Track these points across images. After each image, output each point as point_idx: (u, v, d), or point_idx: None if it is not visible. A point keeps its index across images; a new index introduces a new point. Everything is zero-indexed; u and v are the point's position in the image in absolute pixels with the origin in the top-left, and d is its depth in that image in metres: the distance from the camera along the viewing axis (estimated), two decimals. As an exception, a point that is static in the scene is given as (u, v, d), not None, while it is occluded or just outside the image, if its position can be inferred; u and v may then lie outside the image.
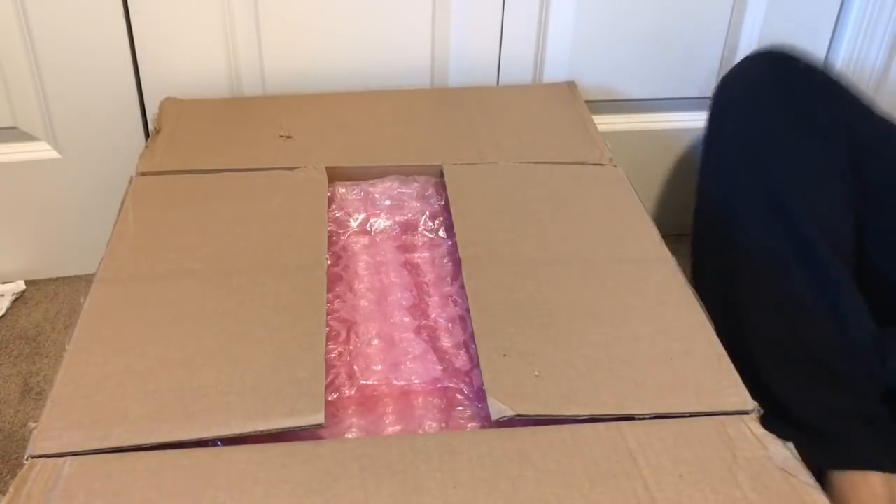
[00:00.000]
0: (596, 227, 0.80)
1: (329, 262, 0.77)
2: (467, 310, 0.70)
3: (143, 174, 0.87)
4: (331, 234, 0.82)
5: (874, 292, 0.80)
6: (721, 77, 0.97)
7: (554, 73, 1.12)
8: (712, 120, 0.84)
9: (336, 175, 0.88)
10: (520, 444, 0.57)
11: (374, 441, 0.59)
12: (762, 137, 0.83)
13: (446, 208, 0.83)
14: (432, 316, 0.74)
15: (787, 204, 0.77)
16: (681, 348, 0.66)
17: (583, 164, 0.90)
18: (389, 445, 0.57)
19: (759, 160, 0.80)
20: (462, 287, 0.73)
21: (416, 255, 0.81)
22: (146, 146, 0.91)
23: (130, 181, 0.85)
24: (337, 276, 0.77)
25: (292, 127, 0.95)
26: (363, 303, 0.75)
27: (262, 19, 1.03)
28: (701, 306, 0.70)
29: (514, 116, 0.99)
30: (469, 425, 0.64)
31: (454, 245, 0.78)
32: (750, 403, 0.61)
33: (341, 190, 0.87)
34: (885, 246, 0.81)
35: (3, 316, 1.09)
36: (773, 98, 0.85)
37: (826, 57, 1.16)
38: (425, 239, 0.84)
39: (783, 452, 0.57)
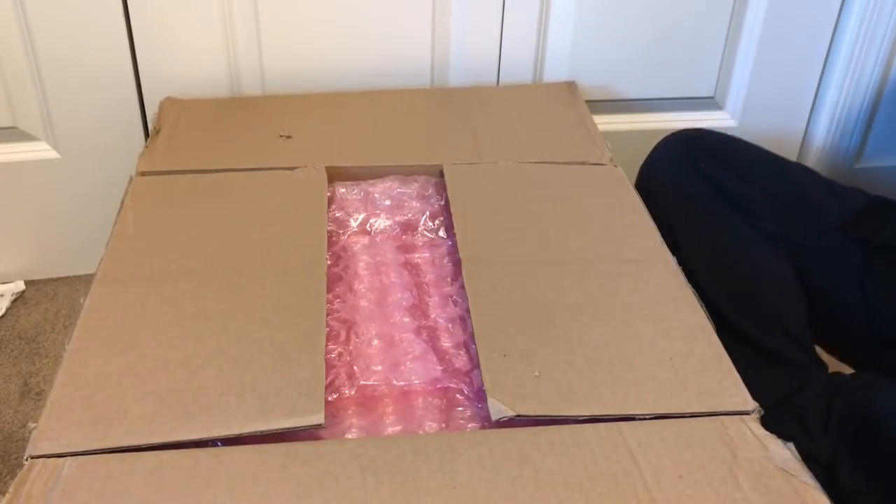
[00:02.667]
0: (596, 227, 0.80)
1: (329, 262, 0.77)
2: (467, 310, 0.69)
3: (143, 174, 0.86)
4: (331, 234, 0.81)
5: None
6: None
7: (554, 73, 1.12)
8: (638, 189, 0.91)
9: (336, 175, 0.88)
10: (520, 445, 0.57)
11: (374, 441, 0.59)
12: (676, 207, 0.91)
13: (446, 208, 0.83)
14: (432, 316, 0.74)
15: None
16: (681, 348, 0.66)
17: (583, 164, 0.90)
18: (389, 446, 0.57)
19: (672, 231, 0.86)
20: (462, 287, 0.73)
21: (416, 255, 0.81)
22: (146, 146, 0.91)
23: (130, 181, 0.85)
24: (337, 276, 0.77)
25: (292, 127, 0.95)
26: (363, 303, 0.75)
27: (262, 19, 1.03)
28: (701, 306, 0.70)
29: (514, 116, 0.99)
30: (469, 425, 0.64)
31: (454, 245, 0.78)
32: (750, 403, 0.61)
33: (341, 190, 0.87)
34: (823, 276, 0.88)
35: (3, 316, 1.09)
36: (685, 175, 0.92)
37: (826, 58, 1.16)
38: (425, 239, 0.83)
39: (784, 453, 0.57)
